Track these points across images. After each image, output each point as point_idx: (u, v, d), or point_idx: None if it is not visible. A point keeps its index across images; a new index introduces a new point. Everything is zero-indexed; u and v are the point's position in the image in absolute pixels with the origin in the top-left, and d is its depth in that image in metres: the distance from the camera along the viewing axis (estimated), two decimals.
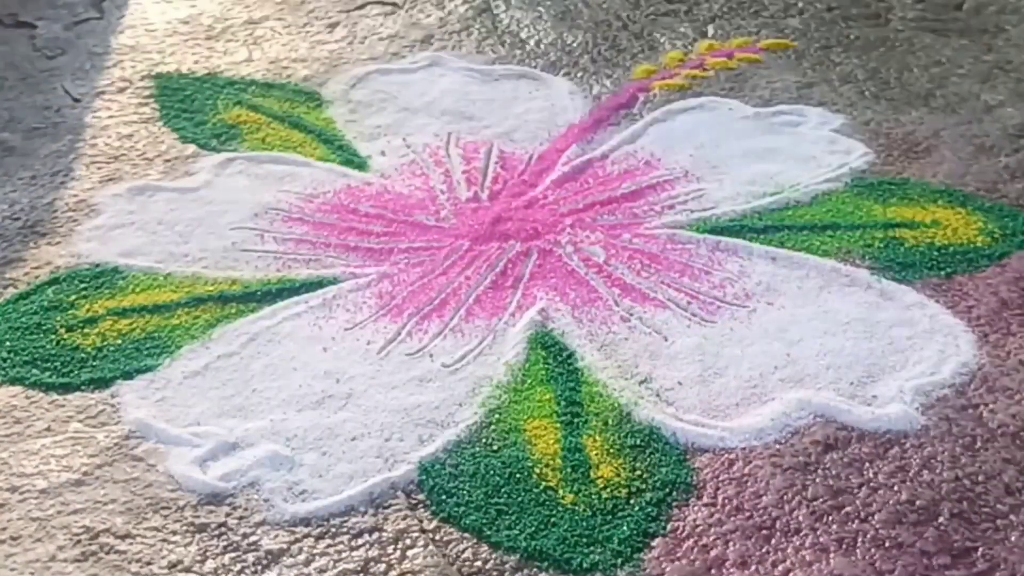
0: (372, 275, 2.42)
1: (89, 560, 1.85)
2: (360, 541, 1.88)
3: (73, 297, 2.37)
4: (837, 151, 2.78)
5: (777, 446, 2.04)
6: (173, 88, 3.07)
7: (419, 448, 2.03)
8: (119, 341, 2.26)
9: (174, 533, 1.89)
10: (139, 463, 2.02)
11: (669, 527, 1.89)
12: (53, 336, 2.27)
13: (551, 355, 2.22)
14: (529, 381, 2.17)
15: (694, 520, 1.90)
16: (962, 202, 2.60)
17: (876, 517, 1.90)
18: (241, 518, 1.92)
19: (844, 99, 2.98)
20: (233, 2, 3.49)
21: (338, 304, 2.35)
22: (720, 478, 1.98)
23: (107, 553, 1.86)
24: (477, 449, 2.03)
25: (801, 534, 1.88)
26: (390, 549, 1.87)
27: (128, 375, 2.19)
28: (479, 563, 1.85)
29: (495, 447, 2.03)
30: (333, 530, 1.90)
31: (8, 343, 2.26)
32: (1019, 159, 2.74)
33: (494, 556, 1.85)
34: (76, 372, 2.19)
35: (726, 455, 2.02)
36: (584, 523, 1.90)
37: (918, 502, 1.93)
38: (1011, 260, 2.44)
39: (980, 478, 1.97)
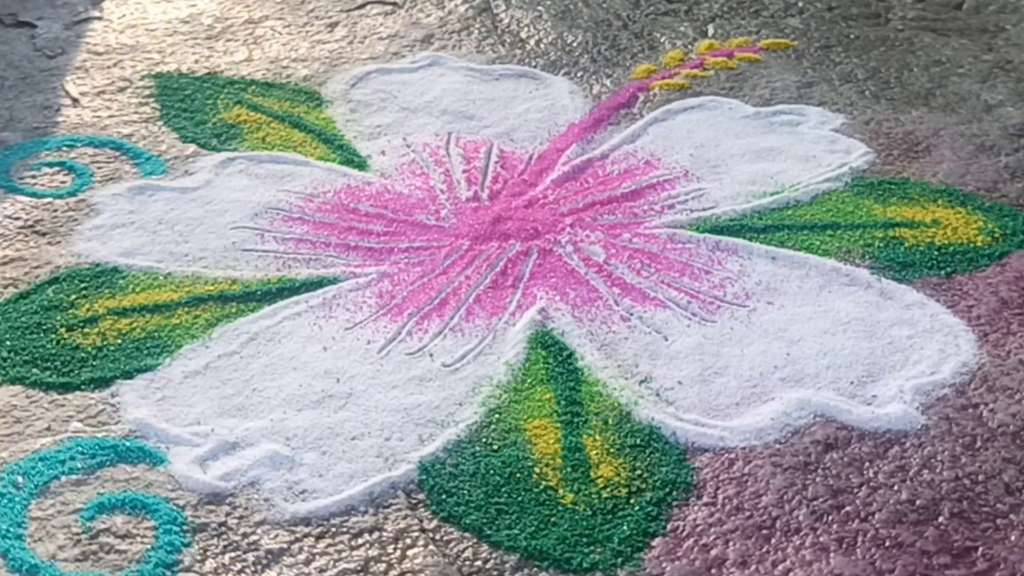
0: (372, 275, 2.42)
1: (89, 560, 1.85)
2: (360, 541, 1.88)
3: (73, 297, 2.37)
4: (837, 151, 2.78)
5: (777, 446, 2.04)
6: (173, 88, 3.07)
7: (419, 448, 2.03)
8: (119, 341, 2.26)
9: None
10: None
11: (669, 527, 1.89)
12: (53, 336, 2.27)
13: (551, 355, 2.22)
14: (529, 381, 2.17)
15: (694, 520, 1.90)
16: (962, 202, 2.60)
17: (876, 517, 1.90)
18: (241, 518, 1.92)
19: (844, 99, 2.98)
20: (233, 2, 3.49)
21: (338, 304, 2.35)
22: (720, 478, 1.98)
23: (107, 553, 1.86)
24: (477, 449, 2.03)
25: (801, 534, 1.88)
26: (390, 549, 1.87)
27: (128, 375, 2.19)
28: (479, 563, 1.84)
29: (495, 447, 2.03)
30: (333, 530, 1.90)
31: (8, 343, 2.26)
32: (1019, 159, 2.74)
33: (494, 556, 1.85)
34: (76, 372, 2.19)
35: (726, 455, 2.02)
36: (584, 523, 1.90)
37: (918, 502, 1.93)
38: (1011, 260, 2.44)
39: (980, 478, 1.97)
